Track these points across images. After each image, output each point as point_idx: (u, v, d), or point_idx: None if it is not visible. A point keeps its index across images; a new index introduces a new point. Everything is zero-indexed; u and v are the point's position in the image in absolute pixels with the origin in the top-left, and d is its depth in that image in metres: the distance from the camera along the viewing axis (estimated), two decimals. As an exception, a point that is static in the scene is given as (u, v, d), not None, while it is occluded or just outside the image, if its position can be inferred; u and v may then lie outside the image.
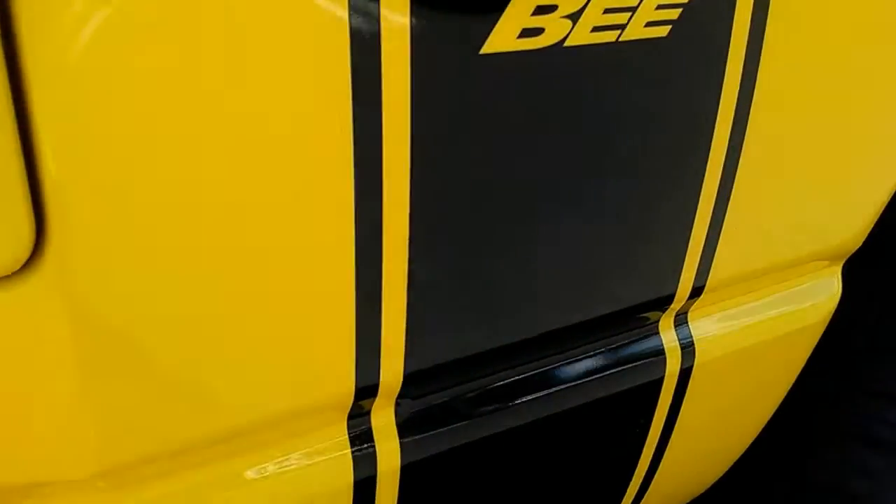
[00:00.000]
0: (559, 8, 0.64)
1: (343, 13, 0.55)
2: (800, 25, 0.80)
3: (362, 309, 0.65)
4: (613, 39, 0.68)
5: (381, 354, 0.69)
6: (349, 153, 0.59)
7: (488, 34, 0.61)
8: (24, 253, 0.48)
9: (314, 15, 0.54)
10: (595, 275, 0.80)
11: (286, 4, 0.53)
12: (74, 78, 0.48)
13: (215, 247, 0.57)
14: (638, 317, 0.88)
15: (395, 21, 0.57)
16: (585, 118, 0.70)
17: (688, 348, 0.91)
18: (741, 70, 0.77)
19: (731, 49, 0.75)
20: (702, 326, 0.93)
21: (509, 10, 0.61)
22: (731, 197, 0.84)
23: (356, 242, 0.62)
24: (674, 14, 0.70)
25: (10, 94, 0.45)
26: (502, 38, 0.62)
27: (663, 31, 0.71)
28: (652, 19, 0.69)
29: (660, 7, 0.69)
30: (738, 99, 0.78)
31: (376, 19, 0.56)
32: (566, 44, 0.66)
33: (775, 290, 0.96)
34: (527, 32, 0.63)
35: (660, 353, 0.90)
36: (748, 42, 0.76)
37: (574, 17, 0.65)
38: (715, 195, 0.83)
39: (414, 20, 0.57)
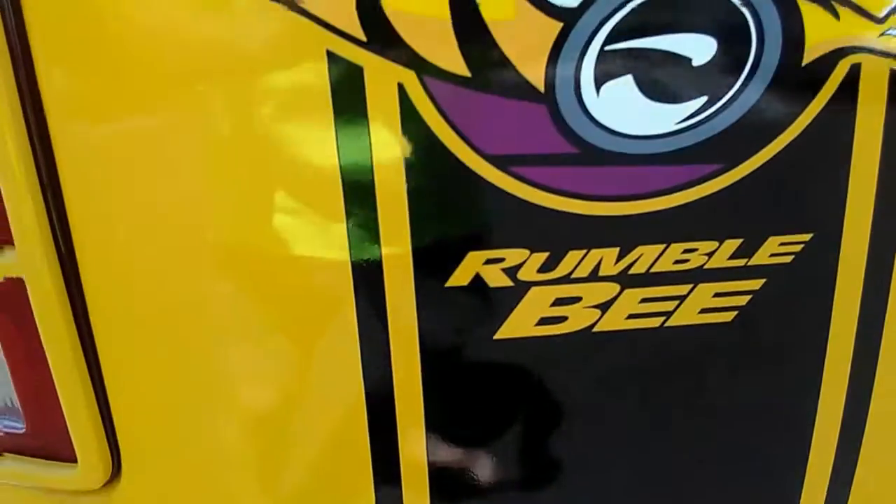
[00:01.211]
0: (583, 299, 0.64)
1: (351, 310, 0.63)
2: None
3: None
4: (657, 325, 0.66)
5: None
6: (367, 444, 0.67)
7: (502, 322, 0.65)
8: (104, 476, 0.67)
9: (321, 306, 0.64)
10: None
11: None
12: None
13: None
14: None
15: (402, 311, 0.64)
16: (626, 398, 0.69)
17: None
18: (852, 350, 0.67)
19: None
20: None
21: (525, 302, 0.64)
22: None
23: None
24: (740, 300, 0.65)
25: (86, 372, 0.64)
26: (520, 324, 0.65)
27: (725, 316, 0.65)
28: (709, 306, 0.65)
29: (719, 295, 0.65)
30: (850, 387, 0.68)
31: (383, 315, 0.64)
32: (596, 329, 0.65)
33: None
34: (547, 320, 0.65)
35: None
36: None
37: (603, 306, 0.65)
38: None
39: (421, 308, 0.64)
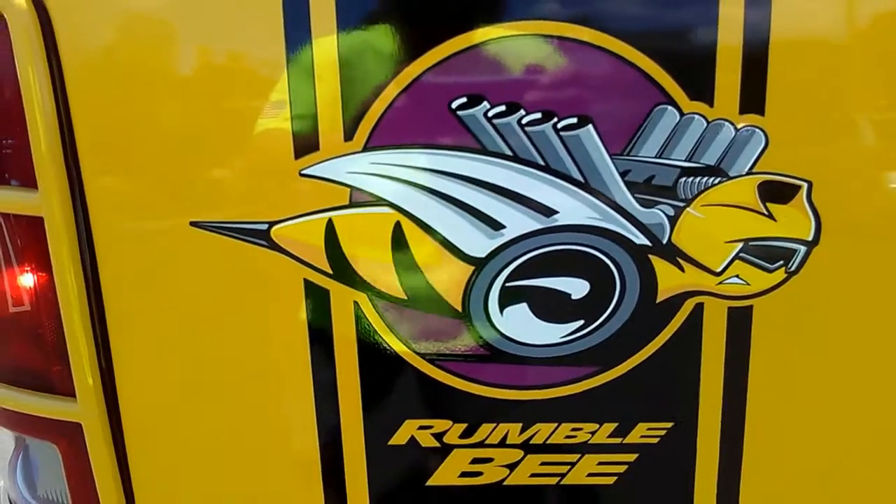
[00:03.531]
0: (495, 460, 0.83)
1: (316, 459, 0.83)
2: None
3: None
4: (554, 483, 0.84)
5: None
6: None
7: (432, 473, 0.84)
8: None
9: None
10: None
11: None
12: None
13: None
14: None
15: (356, 462, 0.83)
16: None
17: None
18: None
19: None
20: None
21: (449, 459, 0.83)
22: None
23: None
24: (619, 468, 0.83)
25: None
26: (446, 475, 0.84)
27: (608, 480, 0.83)
28: (594, 471, 0.83)
29: (601, 463, 0.83)
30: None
31: (341, 466, 0.83)
32: (506, 483, 0.84)
33: None
34: (467, 474, 0.84)
35: None
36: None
37: (511, 466, 0.83)
38: None
39: (370, 460, 0.83)
